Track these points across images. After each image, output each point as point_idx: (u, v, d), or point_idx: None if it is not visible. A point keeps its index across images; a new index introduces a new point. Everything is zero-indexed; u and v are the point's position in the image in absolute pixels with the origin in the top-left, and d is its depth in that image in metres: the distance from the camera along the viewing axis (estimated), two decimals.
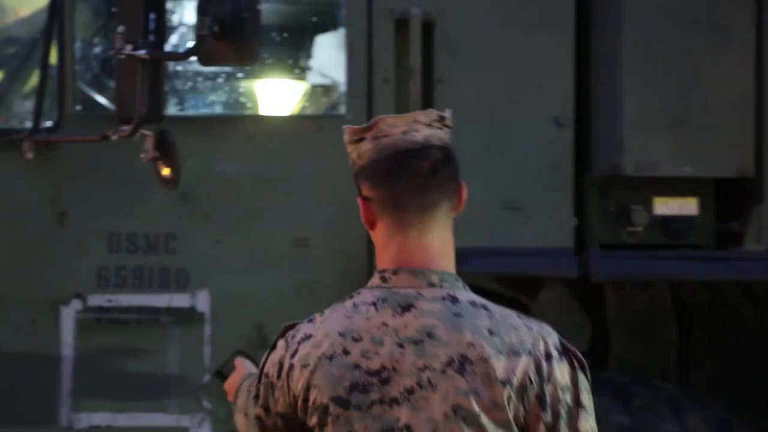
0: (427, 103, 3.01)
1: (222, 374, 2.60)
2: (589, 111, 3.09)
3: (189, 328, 3.21)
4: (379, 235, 1.85)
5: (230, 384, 2.20)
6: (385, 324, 1.79)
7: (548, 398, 1.75)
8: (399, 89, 3.01)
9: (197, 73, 3.96)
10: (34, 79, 4.86)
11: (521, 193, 3.06)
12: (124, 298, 3.20)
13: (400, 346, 1.78)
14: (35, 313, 3.17)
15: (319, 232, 3.15)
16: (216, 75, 4.18)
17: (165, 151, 2.82)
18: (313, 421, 1.81)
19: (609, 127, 3.06)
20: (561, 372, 1.76)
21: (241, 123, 3.44)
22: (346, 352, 1.79)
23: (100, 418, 3.17)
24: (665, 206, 3.10)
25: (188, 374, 3.19)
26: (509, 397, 1.74)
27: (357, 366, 1.78)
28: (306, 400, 1.81)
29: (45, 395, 3.17)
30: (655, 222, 3.10)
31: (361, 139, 1.84)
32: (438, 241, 1.83)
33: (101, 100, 3.77)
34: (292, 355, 1.83)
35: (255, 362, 2.14)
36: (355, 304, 1.83)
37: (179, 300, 3.21)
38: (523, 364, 1.75)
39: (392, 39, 3.00)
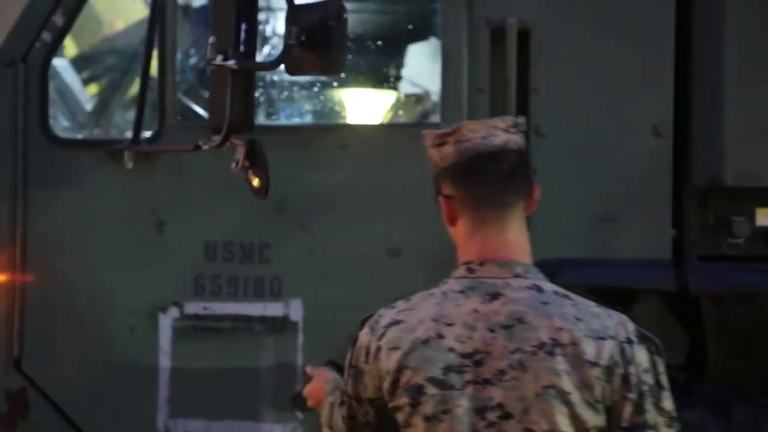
0: (522, 112, 2.99)
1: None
2: (689, 120, 3.03)
3: (282, 337, 3.23)
4: (460, 231, 2.01)
5: (312, 390, 2.38)
6: (475, 311, 1.92)
7: (633, 378, 1.87)
8: (494, 99, 2.99)
9: (292, 83, 4.01)
10: (134, 90, 4.98)
11: (618, 204, 3.01)
12: (219, 306, 3.24)
13: (491, 330, 1.91)
14: (134, 319, 3.23)
15: (413, 242, 3.15)
16: (310, 84, 4.23)
17: (255, 160, 2.85)
18: (402, 400, 1.92)
19: (709, 136, 2.99)
20: (641, 355, 1.88)
21: (334, 132, 3.46)
22: (440, 336, 1.91)
23: (196, 426, 3.22)
24: None
25: (281, 383, 3.21)
26: (597, 378, 1.86)
27: (451, 349, 1.91)
28: (396, 381, 1.92)
29: (143, 401, 3.23)
30: (757, 233, 3.02)
31: (443, 143, 2.01)
32: (516, 237, 1.98)
33: (200, 110, 3.84)
34: (379, 338, 1.96)
35: (342, 371, 2.20)
36: (444, 292, 1.97)
37: (273, 309, 3.24)
38: (609, 347, 1.87)
39: (488, 48, 2.98)
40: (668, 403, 1.91)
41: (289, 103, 4.02)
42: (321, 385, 2.36)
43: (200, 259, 3.22)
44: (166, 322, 3.24)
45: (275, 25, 5.02)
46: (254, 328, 3.25)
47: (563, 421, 1.88)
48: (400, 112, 4.41)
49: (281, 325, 3.23)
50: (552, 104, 3.00)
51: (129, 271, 3.25)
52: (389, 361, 1.94)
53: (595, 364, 1.87)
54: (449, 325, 1.93)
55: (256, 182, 2.90)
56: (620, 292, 3.18)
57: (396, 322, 1.97)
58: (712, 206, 3.06)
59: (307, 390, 2.41)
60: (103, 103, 4.58)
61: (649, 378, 1.89)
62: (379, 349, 1.96)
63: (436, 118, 4.34)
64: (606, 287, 3.11)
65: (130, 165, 3.14)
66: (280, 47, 4.81)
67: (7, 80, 2.93)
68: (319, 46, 2.77)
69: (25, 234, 3.25)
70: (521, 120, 2.03)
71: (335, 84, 4.44)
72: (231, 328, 3.25)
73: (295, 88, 3.94)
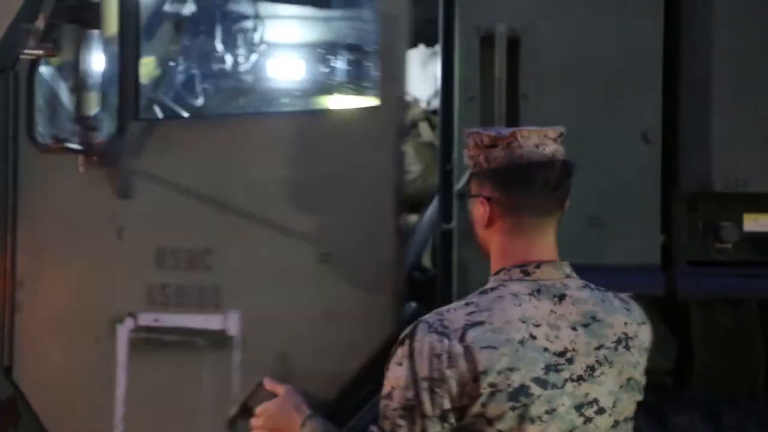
0: (511, 119, 3.01)
1: (247, 408, 2.56)
2: (677, 126, 3.05)
3: (221, 353, 3.10)
4: (497, 233, 2.04)
5: (272, 413, 2.21)
6: (552, 311, 1.96)
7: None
8: (484, 105, 3.00)
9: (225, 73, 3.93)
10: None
11: (608, 210, 3.03)
12: (168, 318, 3.11)
13: (573, 329, 1.96)
14: (99, 330, 3.15)
15: (343, 245, 3.08)
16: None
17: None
18: (502, 408, 1.88)
19: (698, 142, 3.01)
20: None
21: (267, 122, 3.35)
22: (533, 337, 1.93)
23: None
24: (756, 223, 3.05)
25: (220, 405, 3.09)
26: (648, 360, 2.05)
27: (546, 349, 1.93)
28: (495, 384, 1.88)
29: (104, 418, 3.14)
30: (745, 239, 3.05)
31: (494, 146, 2.03)
32: (555, 242, 2.07)
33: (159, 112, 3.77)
34: (461, 340, 1.90)
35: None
36: (513, 294, 1.97)
37: (213, 321, 3.10)
38: (648, 329, 2.07)
39: (477, 55, 3.00)
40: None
41: (230, 94, 3.92)
42: (288, 411, 2.19)
43: (152, 267, 3.12)
44: (123, 334, 3.14)
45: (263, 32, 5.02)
46: (197, 343, 3.11)
47: (634, 407, 2.03)
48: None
49: (220, 340, 3.10)
50: (541, 111, 3.01)
51: (94, 279, 3.19)
52: (488, 360, 1.89)
53: (648, 350, 2.06)
54: (536, 325, 1.94)
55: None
56: None
57: (476, 324, 1.92)
58: (701, 212, 3.08)
59: (263, 410, 2.23)
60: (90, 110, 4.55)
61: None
62: (467, 349, 1.89)
63: (423, 124, 4.38)
64: None
65: (81, 169, 3.08)
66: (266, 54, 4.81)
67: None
68: None
69: (15, 242, 3.24)
70: (564, 130, 2.09)
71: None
72: (177, 341, 3.12)
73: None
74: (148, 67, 3.98)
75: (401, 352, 1.93)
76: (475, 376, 1.89)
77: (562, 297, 1.99)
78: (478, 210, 2.06)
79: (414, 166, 4.24)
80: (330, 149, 3.13)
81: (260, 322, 3.10)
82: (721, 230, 3.03)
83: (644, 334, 2.05)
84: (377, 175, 3.10)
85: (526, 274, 2.00)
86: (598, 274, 3.04)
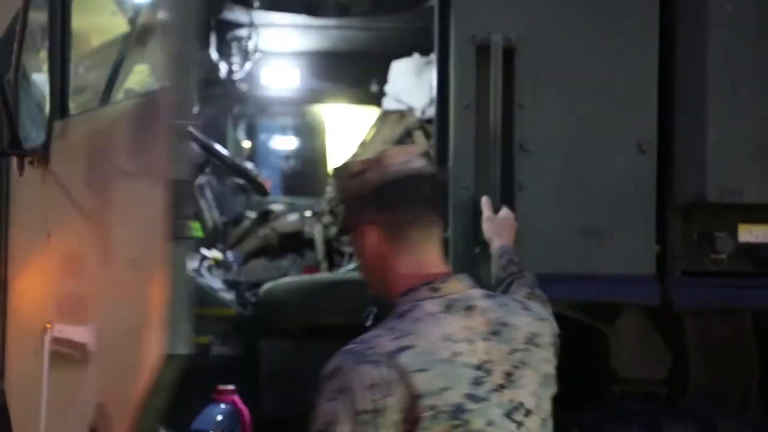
0: (507, 128, 3.01)
1: None
2: (672, 137, 3.06)
3: (82, 368, 2.74)
4: (388, 257, 2.08)
5: None
6: (465, 327, 2.01)
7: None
8: (480, 115, 3.00)
9: None
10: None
11: (602, 220, 3.03)
12: (65, 329, 2.85)
13: (486, 340, 2.02)
14: (36, 340, 2.97)
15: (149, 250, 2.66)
16: None
17: None
18: (442, 427, 1.91)
19: (693, 153, 3.02)
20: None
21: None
22: (456, 354, 1.98)
23: None
24: (750, 233, 3.05)
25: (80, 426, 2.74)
26: (555, 352, 2.14)
27: (467, 365, 1.98)
28: (433, 406, 1.91)
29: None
30: (739, 249, 3.05)
31: (364, 171, 2.10)
32: (442, 253, 2.12)
33: None
34: (392, 366, 1.91)
35: None
36: (430, 314, 2.02)
37: (79, 333, 2.76)
38: (550, 325, 2.17)
39: (473, 65, 3.00)
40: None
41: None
42: None
43: (60, 275, 2.97)
44: (46, 344, 2.95)
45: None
46: (74, 356, 2.81)
47: (550, 401, 2.10)
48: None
49: (82, 354, 2.77)
50: (537, 120, 3.01)
51: (33, 286, 3.14)
52: (423, 383, 1.91)
53: (554, 344, 2.15)
54: (456, 342, 1.98)
55: None
56: (603, 307, 3.20)
57: (405, 348, 1.94)
58: (696, 222, 3.08)
59: None
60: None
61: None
62: (402, 375, 1.90)
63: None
64: (590, 302, 3.13)
65: (19, 174, 3.02)
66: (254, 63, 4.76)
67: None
68: None
69: (6, 249, 3.24)
70: (430, 150, 2.23)
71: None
72: (70, 355, 2.84)
73: None
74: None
75: (333, 386, 1.90)
76: (414, 401, 1.89)
77: (470, 309, 2.03)
78: (364, 239, 2.10)
79: None
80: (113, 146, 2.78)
81: (112, 334, 2.71)
82: (716, 241, 3.03)
83: (546, 329, 2.14)
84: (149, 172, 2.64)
85: (435, 290, 2.04)
86: (592, 283, 3.09)
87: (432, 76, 4.38)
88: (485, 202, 2.90)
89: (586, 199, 3.03)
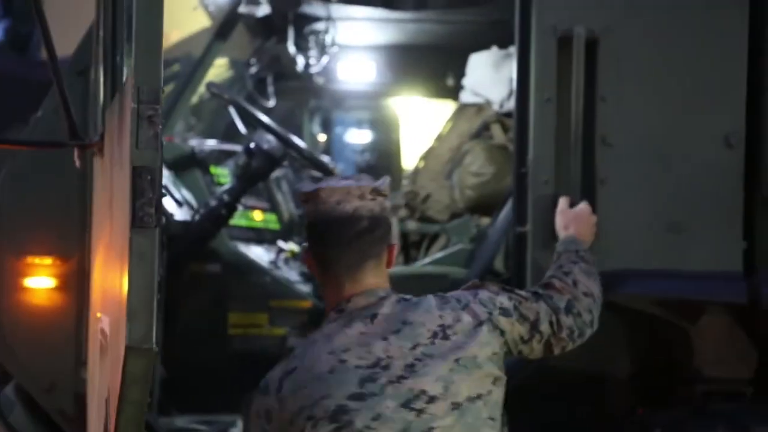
0: (589, 122, 2.95)
1: None
2: (760, 130, 2.97)
3: None
4: (320, 280, 2.27)
5: None
6: (362, 333, 2.15)
7: (505, 306, 2.27)
8: (561, 108, 2.95)
9: None
10: (194, 98, 4.99)
11: (687, 215, 2.96)
12: None
13: (384, 339, 2.15)
14: None
15: None
16: None
17: None
18: (328, 430, 2.07)
19: None
20: (488, 294, 2.29)
21: None
22: (342, 362, 2.12)
23: None
24: None
25: None
26: (490, 331, 2.20)
27: (358, 366, 2.12)
28: (312, 416, 2.08)
29: None
30: None
31: (307, 201, 2.23)
32: (374, 275, 2.22)
33: None
34: (278, 392, 2.12)
35: None
36: (326, 335, 2.17)
37: None
38: (475, 308, 2.22)
39: (555, 57, 2.95)
40: (508, 301, 2.28)
41: None
42: None
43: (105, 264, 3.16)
44: (92, 335, 3.04)
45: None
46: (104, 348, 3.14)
47: (478, 381, 2.15)
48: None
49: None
50: (620, 113, 2.96)
51: (97, 275, 3.23)
52: (299, 401, 2.10)
53: (481, 323, 2.20)
54: (346, 351, 2.13)
55: None
56: (686, 305, 3.13)
57: (289, 371, 2.15)
58: None
59: None
60: (166, 111, 4.60)
61: (503, 302, 2.27)
62: (281, 401, 2.12)
63: (495, 128, 4.33)
64: (673, 299, 3.06)
65: (78, 164, 3.06)
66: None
67: (78, 88, 2.94)
68: None
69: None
70: (382, 183, 2.23)
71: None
72: (103, 346, 3.12)
73: None
74: None
75: (244, 414, 2.20)
76: (293, 419, 2.10)
77: (374, 316, 2.17)
78: (307, 261, 2.30)
79: (486, 169, 4.20)
80: None
81: (113, 325, 2.93)
82: None
83: (467, 317, 2.20)
84: None
85: (340, 311, 2.20)
86: (676, 280, 3.03)
87: (511, 69, 4.34)
88: (563, 197, 2.87)
89: (670, 193, 2.96)
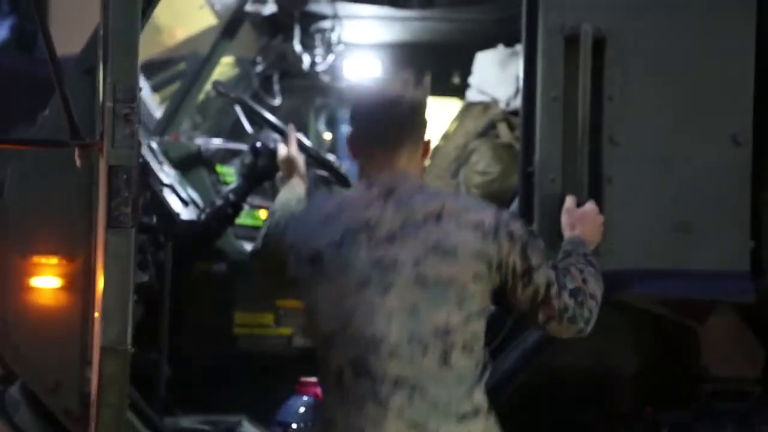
0: (596, 121, 2.94)
1: None
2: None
3: None
4: (361, 164, 2.45)
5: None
6: (369, 201, 2.35)
7: (516, 234, 2.37)
8: (568, 106, 2.94)
9: None
10: (201, 97, 4.99)
11: (694, 214, 2.95)
12: None
13: (384, 208, 2.34)
14: None
15: None
16: None
17: None
18: (303, 270, 2.36)
19: None
20: (516, 224, 2.42)
21: None
22: (340, 212, 2.36)
23: None
24: None
25: None
26: (486, 238, 2.31)
27: (348, 221, 2.34)
28: (297, 255, 2.38)
29: None
30: None
31: (351, 95, 2.48)
32: (404, 166, 2.41)
33: None
34: (287, 225, 2.50)
35: None
36: (344, 195, 2.49)
37: None
38: (485, 213, 2.35)
39: (562, 55, 2.94)
40: (520, 230, 2.38)
41: None
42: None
43: None
44: None
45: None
46: None
47: (453, 270, 2.27)
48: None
49: None
50: (627, 112, 2.94)
51: None
52: (293, 237, 2.40)
53: (479, 226, 2.31)
54: (347, 209, 2.36)
55: None
56: (693, 305, 3.11)
57: (300, 214, 2.51)
58: None
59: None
60: (173, 110, 4.60)
61: (516, 229, 2.36)
62: (284, 233, 2.45)
63: (501, 127, 4.32)
64: (680, 299, 3.05)
65: (78, 164, 3.06)
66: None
67: (87, 86, 2.94)
68: None
69: None
70: (425, 83, 2.47)
71: None
72: None
73: None
74: None
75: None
76: (284, 251, 2.43)
77: (390, 192, 2.35)
78: (349, 145, 2.53)
79: (492, 168, 4.19)
80: None
81: None
82: None
83: (473, 215, 2.34)
84: None
85: (367, 182, 2.41)
86: (683, 279, 3.01)
87: (517, 67, 4.33)
88: (569, 196, 2.85)
89: (678, 192, 2.95)
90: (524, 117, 3.04)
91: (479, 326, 2.33)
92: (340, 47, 5.11)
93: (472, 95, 4.52)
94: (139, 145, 2.15)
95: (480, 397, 2.32)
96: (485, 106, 4.40)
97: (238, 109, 3.95)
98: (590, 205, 2.83)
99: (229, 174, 4.38)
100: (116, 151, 2.15)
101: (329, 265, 2.31)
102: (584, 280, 2.47)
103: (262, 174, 3.74)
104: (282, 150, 3.00)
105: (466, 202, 2.45)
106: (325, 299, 2.31)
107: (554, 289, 2.38)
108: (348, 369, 2.27)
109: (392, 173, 2.38)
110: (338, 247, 2.31)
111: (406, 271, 2.27)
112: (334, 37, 5.02)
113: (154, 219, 2.95)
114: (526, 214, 3.02)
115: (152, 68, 5.14)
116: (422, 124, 2.44)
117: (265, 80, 5.21)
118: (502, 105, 4.37)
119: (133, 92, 2.13)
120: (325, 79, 5.41)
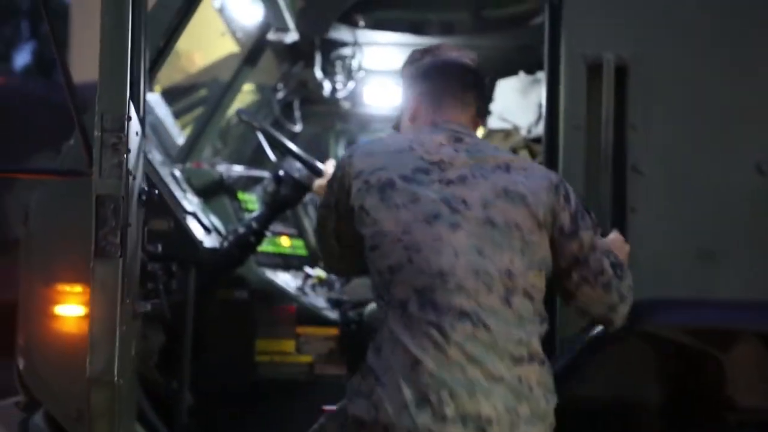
0: (619, 149, 2.94)
1: None
2: None
3: None
4: (419, 114, 2.62)
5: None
6: (441, 143, 2.49)
7: (570, 197, 2.51)
8: (590, 135, 2.94)
9: None
10: (223, 123, 5.00)
11: (720, 243, 2.93)
12: None
13: (456, 151, 2.47)
14: None
15: None
16: None
17: None
18: (371, 197, 2.41)
19: None
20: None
21: None
22: (411, 149, 2.47)
23: None
24: None
25: None
26: (547, 189, 2.44)
27: (421, 157, 2.45)
28: (368, 181, 2.43)
29: None
30: None
31: (422, 58, 2.67)
32: (467, 122, 2.60)
33: None
34: (350, 156, 2.51)
35: None
36: (416, 129, 2.57)
37: None
38: (552, 173, 2.51)
39: (584, 84, 2.94)
40: (576, 201, 2.52)
41: None
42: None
43: None
44: None
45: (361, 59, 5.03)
46: None
47: (520, 216, 2.38)
48: None
49: None
50: (650, 141, 2.94)
51: None
52: (362, 164, 2.45)
53: (544, 178, 2.46)
54: (421, 144, 2.47)
55: None
56: (718, 334, 3.09)
57: (367, 144, 2.54)
58: None
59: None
60: (195, 137, 4.62)
61: (576, 200, 2.50)
62: (349, 157, 2.49)
63: (523, 155, 4.32)
64: (705, 328, 3.03)
65: None
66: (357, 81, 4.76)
67: None
68: None
69: None
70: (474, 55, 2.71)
71: None
72: None
73: None
74: None
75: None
76: (355, 176, 2.46)
77: (459, 139, 2.50)
78: (409, 110, 2.68)
79: None
80: None
81: None
82: None
83: (539, 171, 2.50)
84: None
85: (434, 124, 2.57)
86: (709, 309, 2.99)
87: (538, 94, 4.33)
88: None
89: (702, 221, 2.94)
90: (546, 145, 3.04)
91: (539, 281, 2.41)
92: (361, 74, 5.13)
93: (493, 122, 4.52)
94: (129, 174, 2.14)
95: (537, 345, 2.38)
96: (506, 134, 4.40)
97: (261, 137, 3.97)
98: (615, 234, 2.82)
99: (251, 201, 4.39)
100: (103, 180, 2.14)
101: (399, 195, 2.39)
102: (623, 273, 2.58)
103: (285, 202, 3.75)
104: (320, 182, 3.29)
105: (530, 162, 2.57)
106: (394, 228, 2.37)
107: (597, 254, 2.49)
108: (414, 298, 2.32)
109: (458, 125, 2.55)
110: (409, 180, 2.40)
111: (475, 211, 2.37)
112: (354, 63, 5.04)
113: (159, 247, 2.95)
114: None
115: (174, 95, 5.18)
116: (483, 93, 2.66)
117: (286, 107, 5.23)
118: (523, 132, 4.37)
119: (121, 122, 2.13)
120: (346, 105, 5.43)
